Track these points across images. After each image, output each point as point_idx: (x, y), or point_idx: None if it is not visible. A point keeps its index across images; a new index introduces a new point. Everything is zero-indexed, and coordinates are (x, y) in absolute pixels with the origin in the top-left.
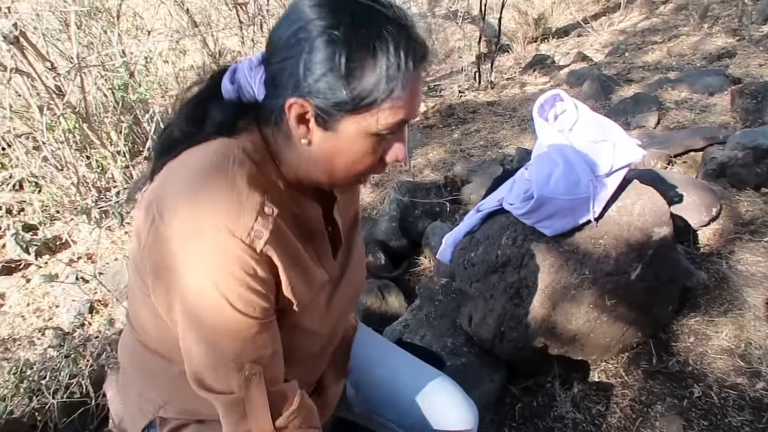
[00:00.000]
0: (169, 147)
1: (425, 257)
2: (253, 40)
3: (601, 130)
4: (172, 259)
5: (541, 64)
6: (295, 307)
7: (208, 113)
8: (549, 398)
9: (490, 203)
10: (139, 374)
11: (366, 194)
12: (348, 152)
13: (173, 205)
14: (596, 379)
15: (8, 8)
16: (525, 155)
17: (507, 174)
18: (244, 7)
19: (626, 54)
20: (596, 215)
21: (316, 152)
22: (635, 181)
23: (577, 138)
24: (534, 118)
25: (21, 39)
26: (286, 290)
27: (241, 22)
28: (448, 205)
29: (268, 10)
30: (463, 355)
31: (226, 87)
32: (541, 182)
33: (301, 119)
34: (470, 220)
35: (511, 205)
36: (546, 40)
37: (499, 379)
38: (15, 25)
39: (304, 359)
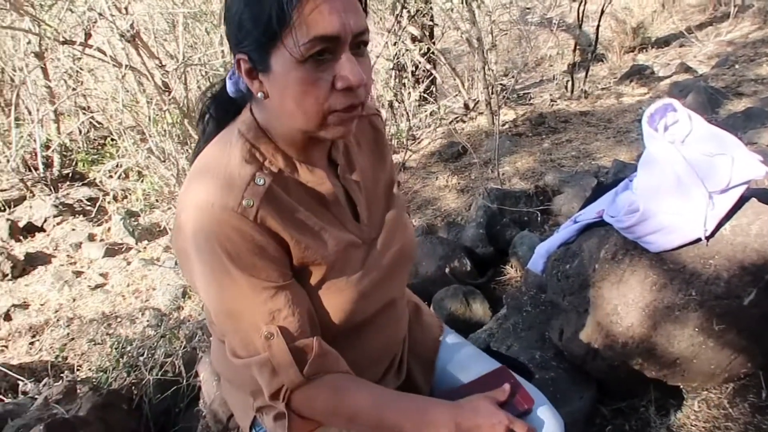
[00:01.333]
0: (196, 149)
1: (512, 266)
2: None
3: (717, 144)
4: (185, 242)
5: (639, 74)
6: (318, 263)
7: (213, 111)
8: (642, 423)
9: (588, 214)
10: (232, 383)
11: (452, 199)
12: (291, 88)
13: (183, 197)
14: (696, 409)
15: (126, 8)
16: (621, 168)
17: (605, 186)
18: None
19: (736, 66)
20: (707, 233)
21: (274, 103)
22: (753, 199)
23: (689, 151)
24: (643, 127)
25: (136, 38)
26: (296, 250)
27: None
28: (538, 214)
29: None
30: (552, 369)
31: (228, 84)
32: (649, 195)
33: (249, 74)
34: (566, 230)
35: (612, 217)
36: (644, 50)
37: (589, 397)
38: (132, 25)
39: (361, 325)
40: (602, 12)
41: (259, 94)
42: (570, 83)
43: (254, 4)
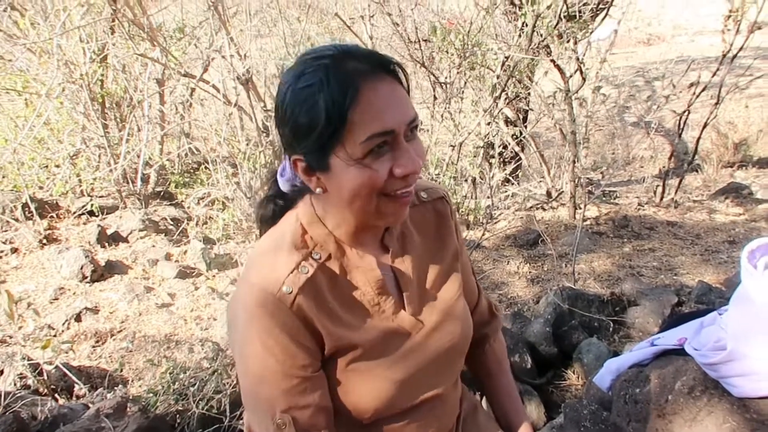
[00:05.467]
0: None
1: (574, 372)
2: (442, 116)
3: None
4: (232, 314)
5: (735, 192)
6: (353, 349)
7: (270, 209)
8: None
9: (668, 339)
10: None
11: (520, 287)
12: (351, 182)
13: (242, 274)
14: None
15: (245, 54)
16: (706, 291)
17: (689, 313)
18: (444, 86)
19: None
20: None
21: (332, 196)
22: None
23: None
24: (742, 263)
25: (249, 82)
26: (328, 340)
27: (435, 98)
28: (610, 323)
29: (463, 91)
30: None
31: (280, 181)
32: (739, 335)
33: (306, 172)
34: (641, 351)
35: (696, 350)
36: (744, 168)
37: None
38: (248, 69)
39: (400, 415)
40: (705, 124)
41: (318, 190)
42: (660, 189)
43: (310, 108)
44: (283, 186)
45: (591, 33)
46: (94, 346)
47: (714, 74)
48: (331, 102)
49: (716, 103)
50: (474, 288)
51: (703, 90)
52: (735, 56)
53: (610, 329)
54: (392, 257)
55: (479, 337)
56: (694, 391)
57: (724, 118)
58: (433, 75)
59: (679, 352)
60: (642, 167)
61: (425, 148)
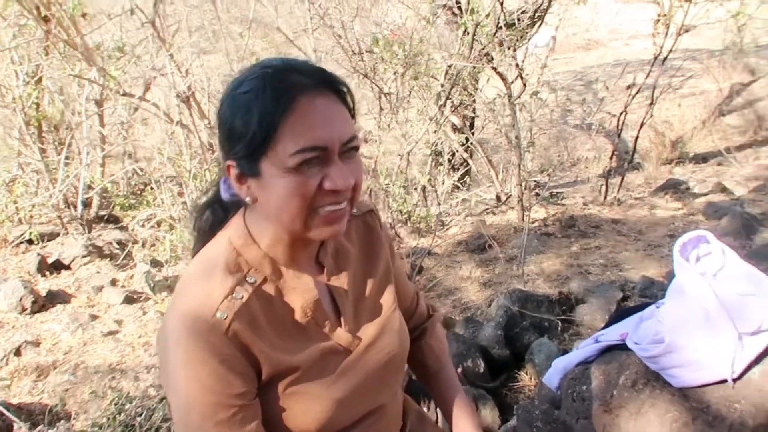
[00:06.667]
0: (193, 252)
1: (527, 373)
2: (389, 126)
3: (751, 283)
4: (163, 341)
5: (674, 188)
6: (291, 371)
7: (207, 217)
8: None
9: (610, 336)
10: None
11: (473, 291)
12: (280, 191)
13: (172, 299)
14: None
15: (187, 70)
16: (649, 285)
17: (631, 308)
18: (387, 96)
19: None
20: (735, 375)
21: (262, 206)
22: None
23: (721, 286)
24: (674, 257)
25: (190, 99)
26: (266, 366)
27: (381, 108)
28: (559, 323)
29: (408, 101)
30: None
31: (221, 188)
32: (676, 327)
33: (238, 179)
34: (586, 348)
35: (636, 344)
36: (681, 164)
37: None
38: (189, 86)
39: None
40: (642, 124)
41: (248, 199)
42: (604, 188)
43: (244, 114)
44: (224, 194)
45: (529, 40)
46: (35, 381)
47: (647, 76)
48: (263, 109)
49: (651, 104)
50: (410, 292)
51: (638, 91)
52: (665, 58)
53: (560, 328)
54: (328, 275)
55: (416, 335)
56: (637, 385)
57: (660, 118)
58: (377, 85)
59: (622, 347)
60: (587, 167)
61: (374, 157)
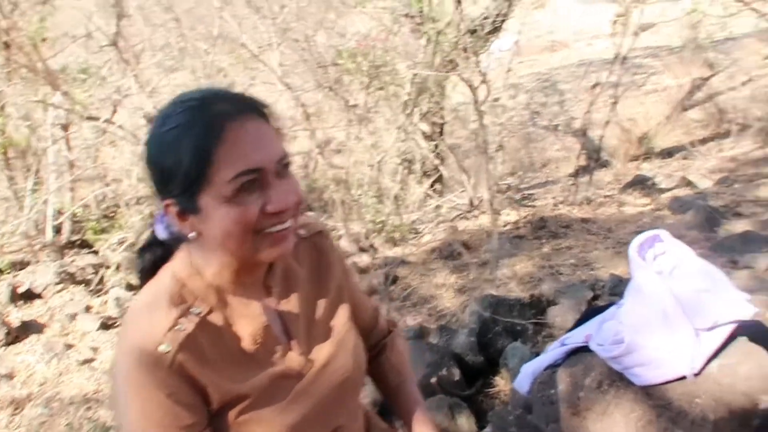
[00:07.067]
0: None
1: (502, 378)
2: (357, 137)
3: (706, 280)
4: (113, 376)
5: (642, 184)
6: (241, 398)
7: (148, 258)
8: None
9: (576, 338)
10: None
11: (448, 298)
12: (222, 221)
13: (119, 335)
14: None
15: (153, 89)
16: (617, 283)
17: (597, 308)
18: (355, 107)
19: (735, 185)
20: (695, 371)
21: (207, 239)
22: (743, 338)
23: (677, 284)
24: (631, 257)
25: None
26: (215, 395)
27: (350, 120)
28: (531, 326)
29: (377, 112)
30: None
31: (158, 228)
32: (635, 327)
33: (179, 216)
34: (553, 352)
35: (599, 345)
36: (649, 159)
37: None
38: (155, 106)
39: None
40: (607, 122)
41: (192, 234)
42: (574, 188)
43: (176, 150)
44: (162, 233)
45: (491, 45)
46: (12, 415)
47: (609, 74)
48: (196, 142)
49: (614, 102)
50: (368, 310)
51: (602, 90)
52: (625, 57)
53: (532, 331)
54: (277, 298)
55: (377, 352)
56: (602, 386)
57: (625, 115)
58: (343, 98)
59: (587, 349)
60: (557, 167)
61: (345, 168)
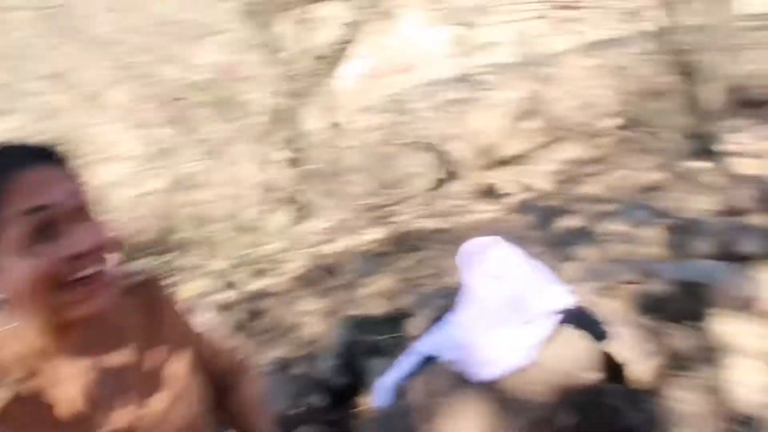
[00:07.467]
0: None
1: (367, 396)
2: (212, 171)
3: (531, 277)
4: None
5: (491, 192)
6: None
7: None
8: None
9: (423, 347)
10: None
11: (313, 326)
12: (19, 276)
13: None
14: None
15: None
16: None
17: (437, 317)
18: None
19: (567, 185)
20: (527, 362)
21: (12, 300)
22: (566, 325)
23: (506, 283)
24: (459, 264)
25: None
26: None
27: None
28: (391, 340)
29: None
30: None
31: None
32: (468, 329)
33: None
34: (404, 364)
35: (441, 351)
36: (495, 168)
37: None
38: None
39: None
40: (455, 136)
41: (1, 296)
42: (430, 201)
43: None
44: None
45: (341, 70)
46: None
47: (455, 91)
48: None
49: (460, 117)
50: (219, 351)
51: (449, 106)
52: (467, 75)
53: (392, 345)
54: (106, 353)
55: (227, 390)
56: (448, 390)
57: (471, 128)
58: (190, 132)
59: (433, 356)
60: (414, 183)
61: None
